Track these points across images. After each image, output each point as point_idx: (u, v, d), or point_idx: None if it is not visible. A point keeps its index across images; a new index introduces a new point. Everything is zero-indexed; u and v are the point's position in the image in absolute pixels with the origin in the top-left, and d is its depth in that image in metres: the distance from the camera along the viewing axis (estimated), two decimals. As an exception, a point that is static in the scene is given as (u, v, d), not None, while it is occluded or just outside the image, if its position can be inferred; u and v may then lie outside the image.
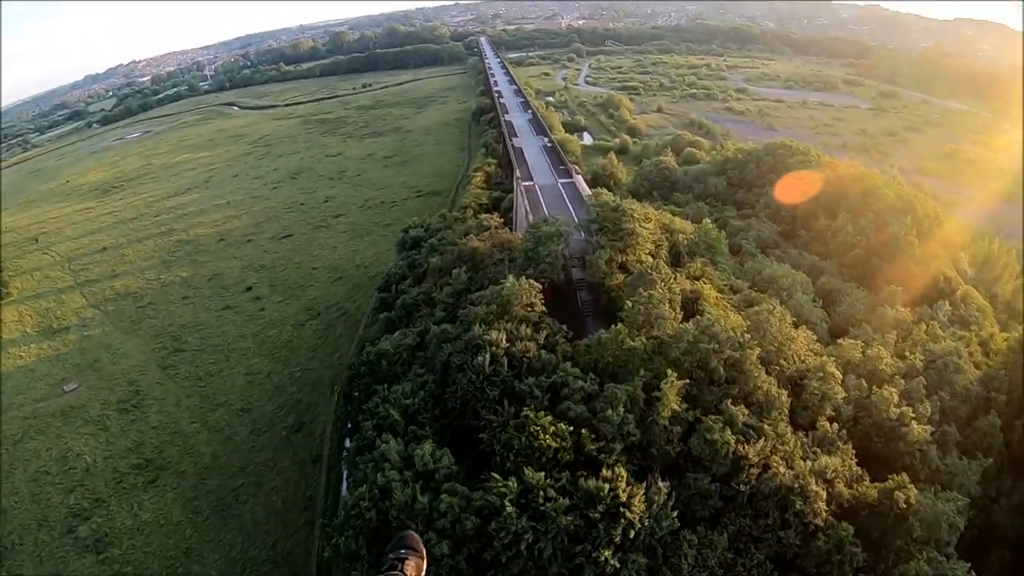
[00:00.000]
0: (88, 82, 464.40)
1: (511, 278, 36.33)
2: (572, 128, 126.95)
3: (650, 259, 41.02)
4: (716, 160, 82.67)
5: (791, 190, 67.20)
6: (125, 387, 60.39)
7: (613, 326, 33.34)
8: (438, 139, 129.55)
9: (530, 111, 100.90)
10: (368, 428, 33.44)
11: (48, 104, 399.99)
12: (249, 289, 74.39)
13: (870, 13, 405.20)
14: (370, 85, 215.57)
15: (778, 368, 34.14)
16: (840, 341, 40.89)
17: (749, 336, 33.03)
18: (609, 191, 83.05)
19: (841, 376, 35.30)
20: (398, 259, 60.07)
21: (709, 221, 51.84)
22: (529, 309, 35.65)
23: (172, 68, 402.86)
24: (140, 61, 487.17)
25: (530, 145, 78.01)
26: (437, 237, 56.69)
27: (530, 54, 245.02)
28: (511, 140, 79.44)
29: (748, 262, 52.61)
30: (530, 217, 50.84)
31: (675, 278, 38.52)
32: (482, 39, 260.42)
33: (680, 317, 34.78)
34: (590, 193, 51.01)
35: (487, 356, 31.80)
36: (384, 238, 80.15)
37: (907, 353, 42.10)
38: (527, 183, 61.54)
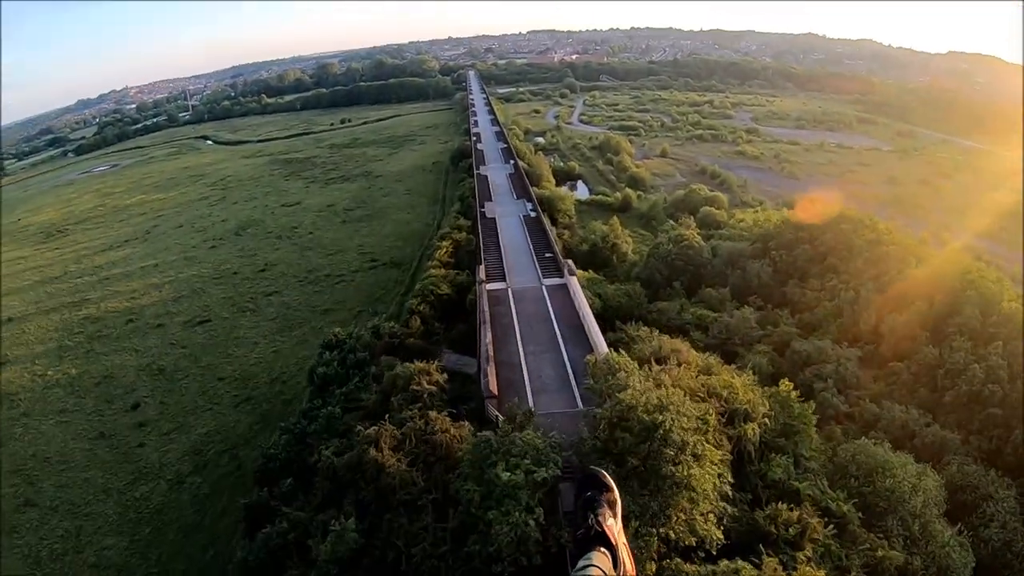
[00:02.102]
0: (80, 107, 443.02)
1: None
2: (565, 176, 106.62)
3: (711, 529, 20.24)
4: (753, 233, 62.25)
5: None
6: (-49, 562, 39.57)
7: None
8: (409, 187, 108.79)
9: (512, 161, 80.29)
10: None
11: (37, 128, 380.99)
12: (136, 407, 53.21)
13: (864, 48, 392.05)
14: (349, 121, 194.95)
15: None
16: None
17: None
18: (613, 273, 63.63)
19: None
20: (294, 418, 39.09)
21: (788, 384, 30.34)
22: None
23: (163, 95, 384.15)
24: (132, 88, 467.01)
25: (508, 214, 57.70)
26: (353, 384, 35.90)
27: (520, 89, 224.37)
28: (483, 206, 58.96)
29: (842, 442, 31.73)
30: (490, 366, 30.25)
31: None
32: (470, 73, 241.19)
33: None
34: (600, 354, 29.60)
35: None
36: (316, 333, 59.30)
37: None
38: (495, 286, 41.08)
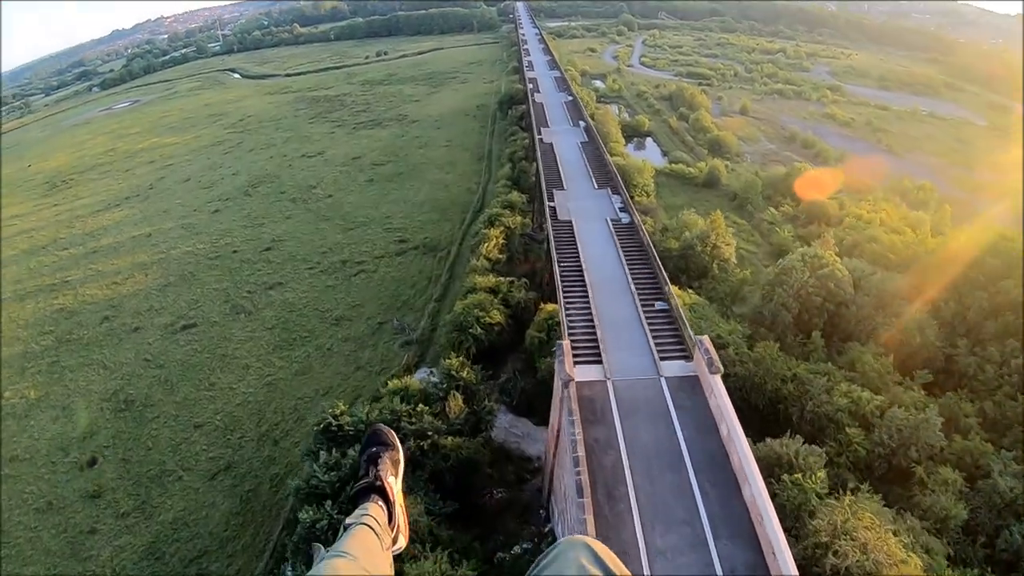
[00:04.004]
0: (114, 37, 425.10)
1: None
2: (632, 132, 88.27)
3: None
4: (900, 255, 45.66)
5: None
6: None
7: None
8: (450, 137, 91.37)
9: (583, 123, 61.11)
10: None
11: (69, 61, 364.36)
12: (92, 464, 38.72)
13: (931, 2, 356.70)
14: (385, 54, 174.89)
15: None
16: None
17: None
18: (714, 290, 46.55)
19: None
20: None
21: None
22: None
23: (197, 25, 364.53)
24: (168, 17, 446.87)
25: (589, 214, 38.64)
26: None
27: (572, 23, 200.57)
28: (552, 197, 41.41)
29: None
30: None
31: None
32: (519, 4, 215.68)
33: None
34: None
35: None
36: (322, 355, 44.29)
37: None
38: (585, 375, 24.22)
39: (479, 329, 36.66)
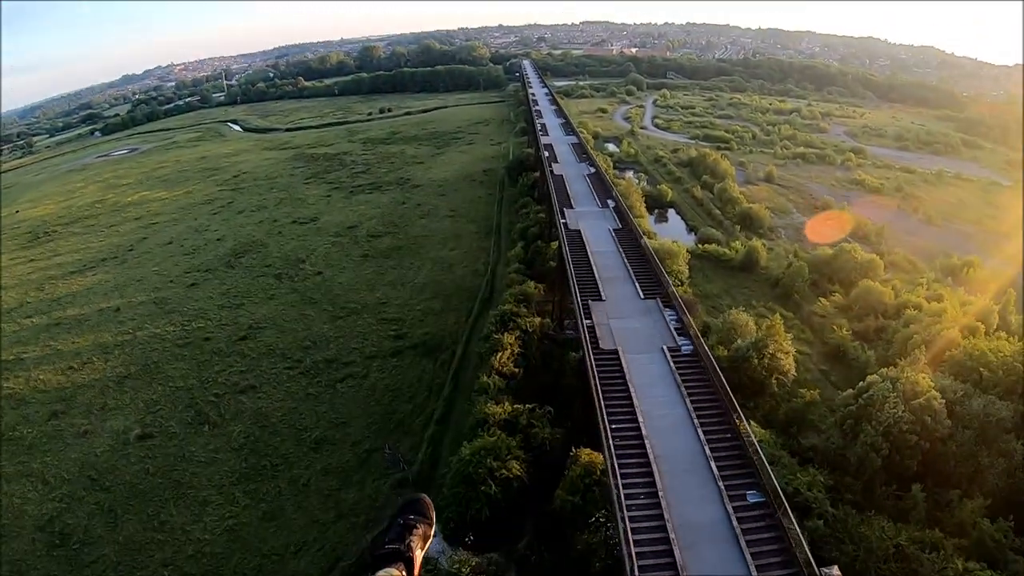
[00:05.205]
0: (124, 82, 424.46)
1: None
2: (653, 203, 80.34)
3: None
4: (994, 371, 36.99)
5: None
6: None
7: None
8: (454, 206, 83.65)
9: (611, 202, 52.52)
10: None
11: (78, 103, 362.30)
12: None
13: (929, 55, 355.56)
14: (389, 110, 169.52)
15: None
16: None
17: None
18: (775, 410, 37.71)
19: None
20: None
21: None
22: None
23: (205, 74, 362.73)
24: (178, 65, 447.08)
25: (637, 336, 29.12)
26: None
27: (580, 83, 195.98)
28: (588, 314, 32.76)
29: None
30: None
31: None
32: (525, 62, 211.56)
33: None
34: None
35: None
36: (296, 493, 35.22)
37: None
38: None
39: (493, 487, 28.02)
